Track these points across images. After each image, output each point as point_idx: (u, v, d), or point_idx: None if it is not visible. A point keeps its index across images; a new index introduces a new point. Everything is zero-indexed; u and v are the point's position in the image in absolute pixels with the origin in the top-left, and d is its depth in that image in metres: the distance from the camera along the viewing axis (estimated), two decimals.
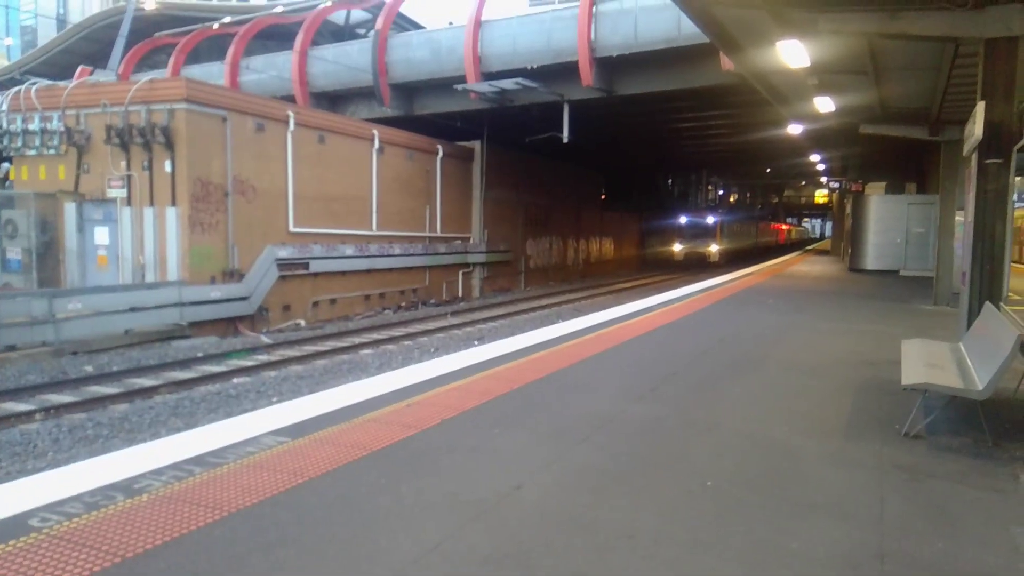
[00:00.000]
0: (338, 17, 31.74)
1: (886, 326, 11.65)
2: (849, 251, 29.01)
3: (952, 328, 10.61)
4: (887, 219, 25.46)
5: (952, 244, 14.58)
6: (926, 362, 6.01)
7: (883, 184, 34.58)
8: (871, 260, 25.68)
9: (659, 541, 3.59)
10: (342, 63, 24.78)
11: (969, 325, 7.75)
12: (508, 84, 21.34)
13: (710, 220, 44.42)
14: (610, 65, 21.00)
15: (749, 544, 3.60)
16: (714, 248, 43.35)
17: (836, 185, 44.29)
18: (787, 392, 6.96)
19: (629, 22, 19.81)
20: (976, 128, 8.23)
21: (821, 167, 41.23)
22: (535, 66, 21.39)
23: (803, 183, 68.13)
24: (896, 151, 27.82)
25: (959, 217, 13.22)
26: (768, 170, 51.06)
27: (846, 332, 11.03)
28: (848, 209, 33.29)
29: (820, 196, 75.77)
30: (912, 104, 15.19)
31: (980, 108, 8.14)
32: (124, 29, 24.49)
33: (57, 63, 36.78)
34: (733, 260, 44.91)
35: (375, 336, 16.89)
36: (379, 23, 24.65)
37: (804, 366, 8.22)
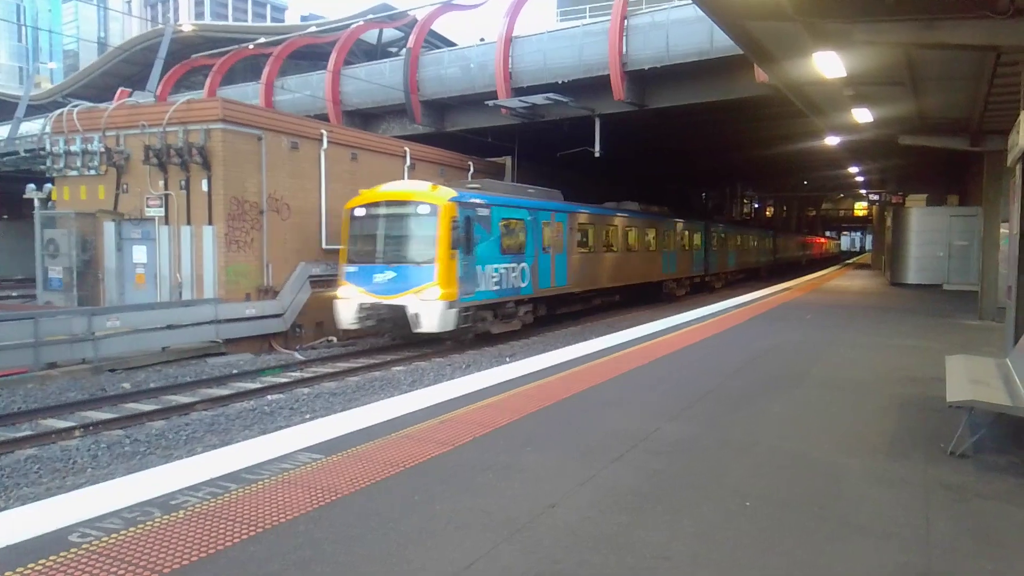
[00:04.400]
0: (370, 36, 32.27)
1: (929, 342, 11.38)
2: (890, 265, 28.48)
3: (998, 343, 10.34)
4: (929, 232, 24.98)
5: (996, 257, 14.24)
6: (971, 379, 5.85)
7: (924, 196, 33.98)
8: (913, 274, 25.18)
9: (696, 563, 3.51)
10: (374, 81, 25.10)
11: (1016, 340, 7.53)
12: (539, 99, 21.43)
13: (422, 210, 15.59)
14: (642, 78, 20.99)
15: (790, 566, 3.50)
16: (433, 296, 15.14)
17: (876, 197, 43.34)
18: (828, 410, 6.81)
19: (661, 35, 19.80)
20: (1020, 138, 8.04)
21: (859, 179, 40.62)
22: (566, 81, 21.47)
23: (841, 196, 66.99)
24: (937, 162, 27.31)
25: (1004, 229, 12.90)
26: (805, 183, 50.08)
27: (888, 348, 10.80)
28: (888, 222, 32.73)
29: (859, 208, 74.32)
30: (952, 114, 14.90)
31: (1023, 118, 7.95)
32: (162, 51, 25.10)
33: (97, 85, 37.94)
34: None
35: (407, 353, 16.93)
36: (411, 41, 24.97)
37: (845, 383, 8.04)
